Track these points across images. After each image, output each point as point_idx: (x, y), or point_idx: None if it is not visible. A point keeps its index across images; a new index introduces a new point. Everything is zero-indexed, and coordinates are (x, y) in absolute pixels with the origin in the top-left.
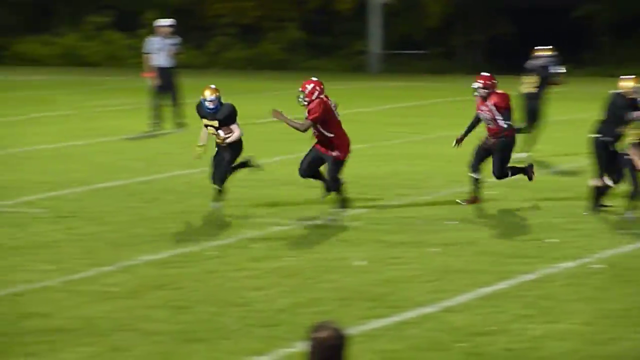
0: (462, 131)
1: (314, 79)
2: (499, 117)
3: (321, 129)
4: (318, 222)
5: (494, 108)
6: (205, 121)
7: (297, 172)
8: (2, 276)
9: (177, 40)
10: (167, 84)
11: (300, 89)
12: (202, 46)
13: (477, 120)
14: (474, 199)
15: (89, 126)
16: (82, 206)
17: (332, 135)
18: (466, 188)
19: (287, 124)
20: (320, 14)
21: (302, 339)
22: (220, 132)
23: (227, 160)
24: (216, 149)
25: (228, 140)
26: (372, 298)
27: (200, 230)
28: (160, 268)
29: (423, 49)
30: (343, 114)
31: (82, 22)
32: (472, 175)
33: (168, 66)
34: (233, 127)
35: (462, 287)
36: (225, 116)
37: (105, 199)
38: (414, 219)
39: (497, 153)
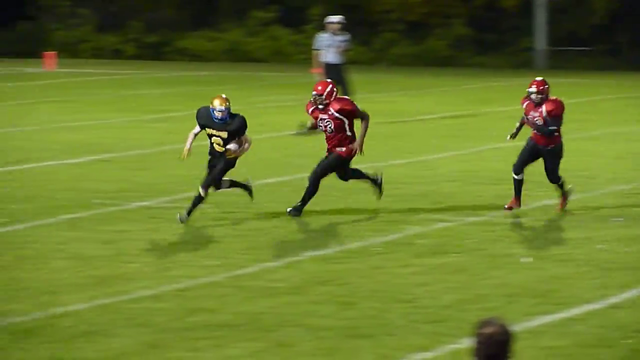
0: (514, 130)
1: (329, 80)
2: (550, 125)
3: (347, 126)
4: (483, 218)
5: (546, 114)
6: (211, 131)
7: (463, 168)
8: (168, 272)
9: (346, 37)
10: (336, 80)
11: (317, 92)
12: (369, 42)
13: (523, 123)
14: (516, 203)
15: (254, 122)
16: (247, 202)
17: (350, 134)
18: (631, 185)
19: (364, 136)
20: (487, 10)
21: (467, 335)
22: (232, 145)
23: (220, 169)
24: (209, 156)
25: (241, 152)
26: (537, 294)
27: (366, 226)
28: (325, 264)
29: (588, 46)
30: (506, 110)
31: (247, 17)
32: (515, 177)
33: (336, 63)
34: (244, 138)
35: (628, 284)
36: (238, 128)
37: (270, 194)
38: (579, 216)
39: (551, 159)
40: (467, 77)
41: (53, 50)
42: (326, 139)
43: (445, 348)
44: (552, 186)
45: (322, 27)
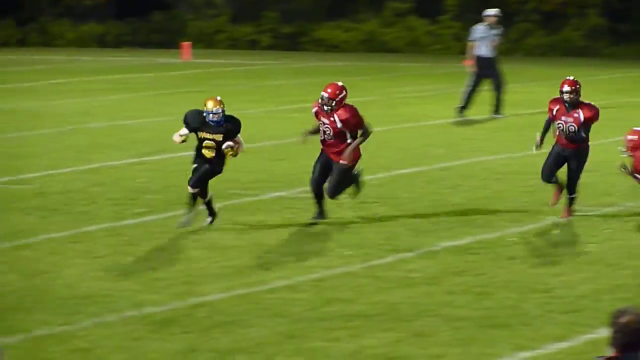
0: (539, 135)
1: (340, 83)
2: (585, 132)
3: (349, 136)
4: (619, 208)
5: (583, 120)
6: (203, 134)
7: (599, 159)
8: (304, 262)
9: (500, 30)
10: (488, 72)
11: (328, 95)
12: (504, 33)
13: (549, 125)
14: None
15: (391, 112)
16: (384, 192)
17: (351, 141)
18: None
19: (355, 145)
20: (622, 0)
21: (604, 324)
22: (230, 142)
23: (210, 171)
24: (198, 159)
25: (238, 151)
26: None
27: (501, 216)
28: (460, 254)
29: None
30: (631, 102)
31: (383, 8)
32: (550, 182)
33: (489, 56)
34: (238, 139)
35: None
36: (237, 129)
37: (406, 185)
38: None
39: (576, 162)
40: (602, 67)
41: (188, 41)
42: (324, 142)
43: (581, 338)
44: None
45: (465, 19)
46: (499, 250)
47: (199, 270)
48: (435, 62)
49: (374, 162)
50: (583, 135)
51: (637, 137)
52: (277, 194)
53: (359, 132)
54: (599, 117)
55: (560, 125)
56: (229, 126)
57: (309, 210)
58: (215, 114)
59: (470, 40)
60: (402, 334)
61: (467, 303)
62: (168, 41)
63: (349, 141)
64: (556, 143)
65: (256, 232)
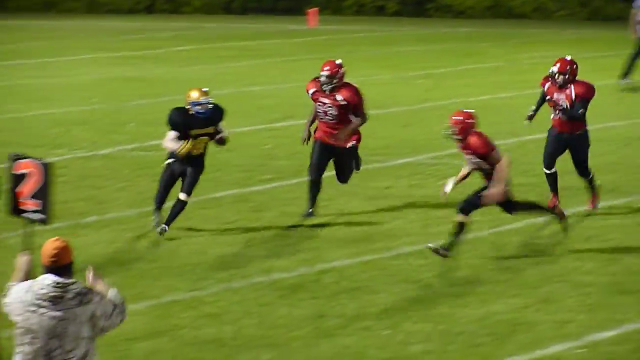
0: (532, 109)
1: (338, 60)
2: (578, 108)
3: (353, 117)
4: None
5: (575, 96)
6: (196, 131)
7: None
8: (430, 228)
9: None
10: None
11: (329, 73)
12: None
13: (543, 100)
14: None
15: (517, 79)
16: (513, 158)
17: (347, 125)
18: None
19: (350, 130)
20: None
21: None
22: (226, 132)
23: (200, 172)
24: (171, 161)
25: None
26: None
27: (630, 182)
28: (588, 220)
29: None
30: None
31: None
32: (547, 172)
33: None
34: (222, 125)
35: None
36: (222, 116)
37: (534, 151)
38: None
39: (580, 147)
40: None
41: (315, 7)
42: (324, 125)
43: None
44: None
45: None
46: (627, 216)
47: (327, 237)
48: (561, 27)
49: (499, 128)
50: (579, 113)
51: (462, 117)
52: (405, 160)
53: (355, 116)
54: (594, 94)
55: (553, 101)
56: (218, 115)
57: (437, 176)
58: (205, 103)
59: (636, 8)
60: (529, 300)
61: (595, 269)
62: (294, 7)
63: (353, 121)
64: (552, 127)
65: (384, 198)
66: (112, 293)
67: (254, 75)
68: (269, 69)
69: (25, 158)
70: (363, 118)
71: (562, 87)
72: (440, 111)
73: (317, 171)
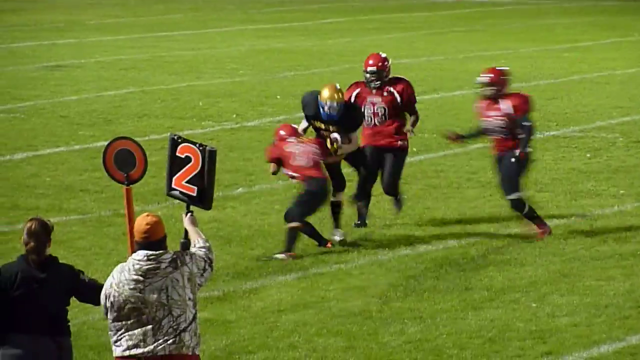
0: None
1: (382, 54)
2: (522, 121)
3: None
4: None
5: (512, 110)
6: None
7: None
8: (578, 200)
9: None
10: None
11: (376, 67)
12: None
13: (480, 133)
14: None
15: None
16: None
17: (399, 122)
18: None
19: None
20: None
21: None
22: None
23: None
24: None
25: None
26: None
27: None
28: None
29: None
30: None
31: None
32: (512, 197)
33: None
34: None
35: None
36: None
37: None
38: None
39: (508, 164)
40: None
41: None
42: (371, 130)
43: None
44: None
45: None
46: None
47: (474, 209)
48: None
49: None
50: (524, 125)
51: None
52: (551, 133)
53: (411, 113)
54: (531, 106)
55: (487, 124)
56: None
57: (583, 149)
58: (329, 107)
59: None
60: None
61: None
62: None
63: (412, 119)
64: (493, 152)
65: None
66: (200, 243)
67: (399, 48)
68: (415, 41)
69: (187, 142)
70: (417, 115)
71: (493, 102)
72: (586, 84)
73: (372, 182)
